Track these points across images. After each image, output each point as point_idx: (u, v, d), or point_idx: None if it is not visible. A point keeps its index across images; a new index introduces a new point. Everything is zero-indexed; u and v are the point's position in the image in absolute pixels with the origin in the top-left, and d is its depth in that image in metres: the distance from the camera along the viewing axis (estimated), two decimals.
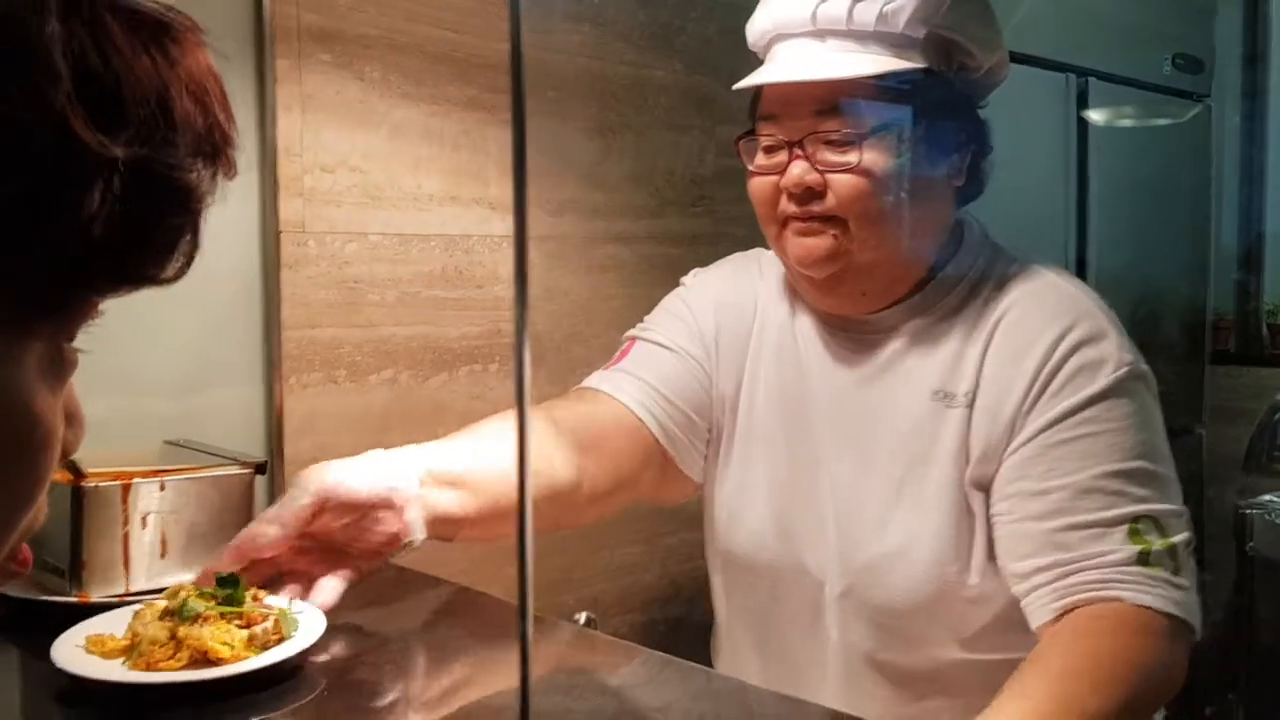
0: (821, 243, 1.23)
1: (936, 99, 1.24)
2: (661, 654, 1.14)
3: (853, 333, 1.32)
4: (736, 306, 1.42)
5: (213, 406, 1.55)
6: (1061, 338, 1.21)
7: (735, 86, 1.28)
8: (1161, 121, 3.23)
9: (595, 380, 1.38)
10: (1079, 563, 1.13)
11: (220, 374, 1.56)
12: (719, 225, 2.10)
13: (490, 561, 1.79)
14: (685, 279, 1.51)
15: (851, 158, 1.21)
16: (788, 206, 1.24)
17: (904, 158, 1.23)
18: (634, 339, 1.42)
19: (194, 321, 1.52)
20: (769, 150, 1.26)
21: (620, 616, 1.89)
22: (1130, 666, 1.08)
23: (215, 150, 0.45)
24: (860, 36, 1.21)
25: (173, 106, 0.42)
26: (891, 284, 1.28)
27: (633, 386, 1.35)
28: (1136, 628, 1.10)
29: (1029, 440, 1.19)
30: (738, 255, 1.51)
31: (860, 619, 1.28)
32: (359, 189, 1.65)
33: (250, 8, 1.57)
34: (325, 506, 1.09)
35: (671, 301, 1.47)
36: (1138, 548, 1.13)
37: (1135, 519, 1.14)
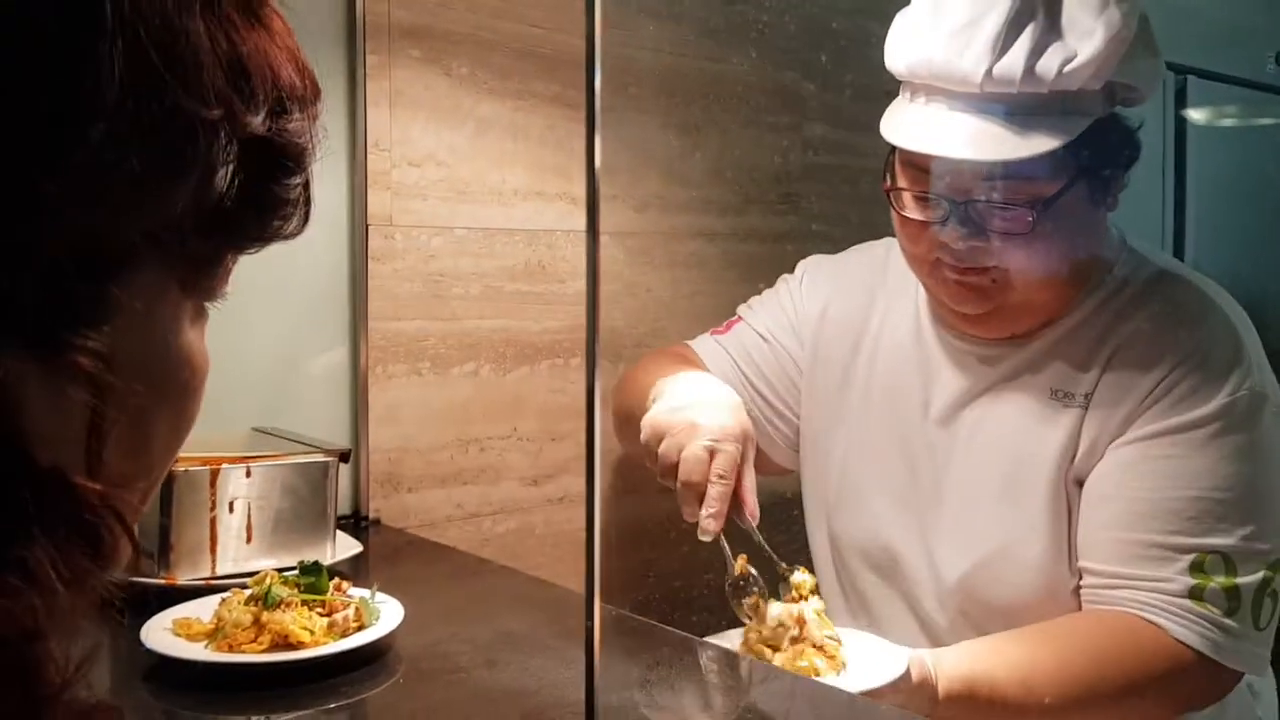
0: (980, 288, 1.19)
1: (1104, 142, 1.17)
2: (739, 652, 1.14)
3: (988, 343, 1.29)
4: (850, 304, 1.42)
5: (300, 395, 1.58)
6: (1189, 351, 1.17)
7: (897, 143, 1.18)
8: (1264, 121, 3.13)
9: (699, 344, 1.49)
10: (1131, 580, 1.13)
11: (308, 364, 1.59)
12: (804, 223, 2.09)
13: (568, 555, 1.81)
14: (802, 262, 1.51)
15: (1022, 224, 1.13)
16: (945, 256, 1.18)
17: (1076, 209, 1.17)
18: (739, 318, 1.51)
19: (284, 311, 1.55)
20: (921, 200, 1.19)
21: (700, 613, 1.89)
22: (1122, 679, 1.11)
23: (313, 105, 0.47)
24: (1033, 96, 1.11)
25: (282, 74, 0.44)
26: (1045, 309, 1.25)
27: (726, 364, 1.45)
28: (1156, 649, 1.11)
29: (1125, 446, 1.17)
30: (863, 246, 1.51)
31: (972, 613, 1.27)
32: (445, 183, 1.67)
33: (342, 4, 1.59)
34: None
35: (780, 288, 1.51)
36: (1193, 581, 1.12)
37: (1205, 551, 1.13)
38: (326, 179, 1.59)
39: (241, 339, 1.51)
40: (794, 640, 1.10)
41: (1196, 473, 1.15)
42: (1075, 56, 1.11)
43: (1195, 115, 2.84)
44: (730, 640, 1.16)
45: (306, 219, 0.49)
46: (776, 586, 1.17)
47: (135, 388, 0.41)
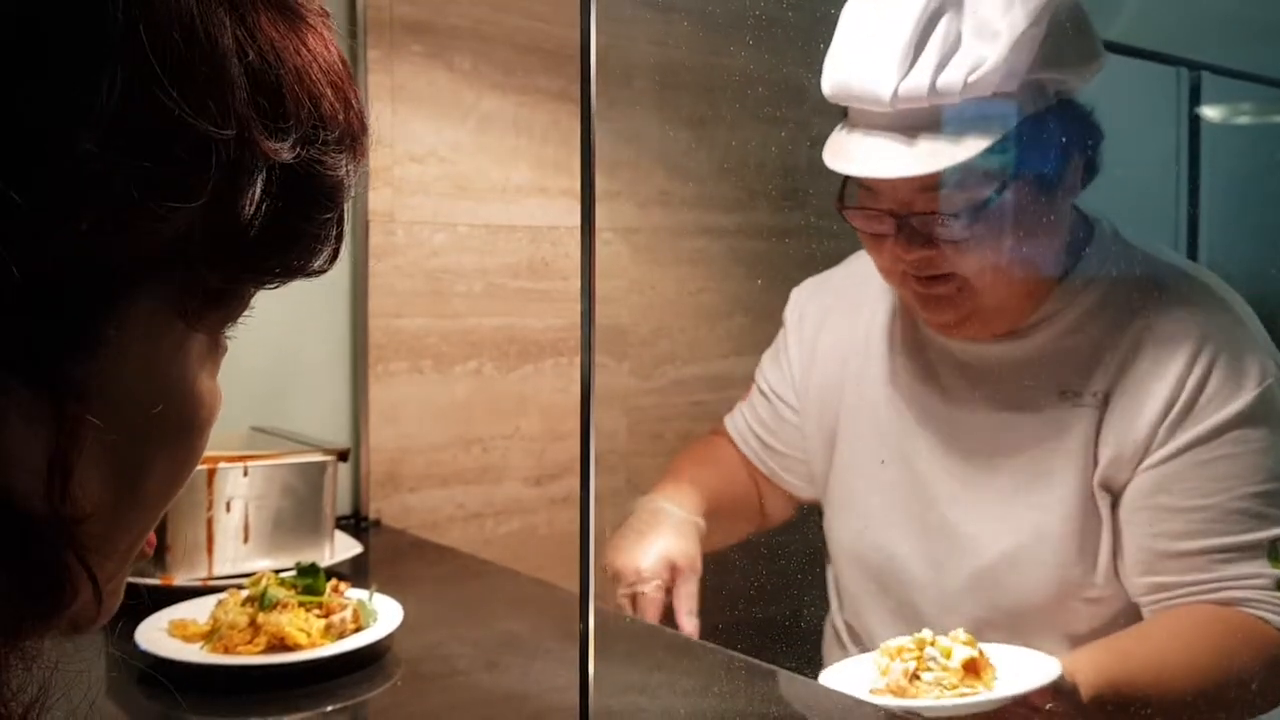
0: (947, 297, 1.20)
1: (1042, 134, 1.16)
2: (741, 655, 1.12)
3: (977, 340, 1.28)
4: (842, 321, 1.43)
5: (300, 393, 1.56)
6: (1204, 347, 1.17)
7: (829, 165, 1.20)
8: None
9: (730, 420, 1.56)
10: (1217, 584, 1.14)
11: (308, 361, 1.58)
12: (811, 219, 2.06)
13: (572, 556, 1.78)
14: (794, 291, 1.52)
15: (965, 230, 1.14)
16: (906, 268, 1.19)
17: (1021, 208, 1.17)
18: (753, 382, 1.57)
19: (283, 309, 1.53)
20: (872, 218, 1.20)
21: (703, 616, 1.87)
22: (1240, 672, 1.11)
23: (355, 140, 0.44)
24: (950, 107, 1.11)
25: (321, 103, 0.42)
26: (1021, 307, 1.24)
27: (746, 432, 1.52)
28: (1265, 642, 1.12)
29: (1172, 456, 1.16)
30: (854, 257, 1.50)
31: (975, 618, 1.25)
32: (447, 180, 1.65)
33: None
34: None
35: (778, 339, 1.53)
36: (1277, 572, 1.13)
37: (1274, 541, 1.14)
38: None
39: (242, 336, 1.49)
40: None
41: (1250, 468, 1.15)
42: (982, 64, 1.09)
43: (1209, 113, 2.81)
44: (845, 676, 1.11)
45: (335, 256, 0.46)
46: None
47: (110, 423, 0.39)
